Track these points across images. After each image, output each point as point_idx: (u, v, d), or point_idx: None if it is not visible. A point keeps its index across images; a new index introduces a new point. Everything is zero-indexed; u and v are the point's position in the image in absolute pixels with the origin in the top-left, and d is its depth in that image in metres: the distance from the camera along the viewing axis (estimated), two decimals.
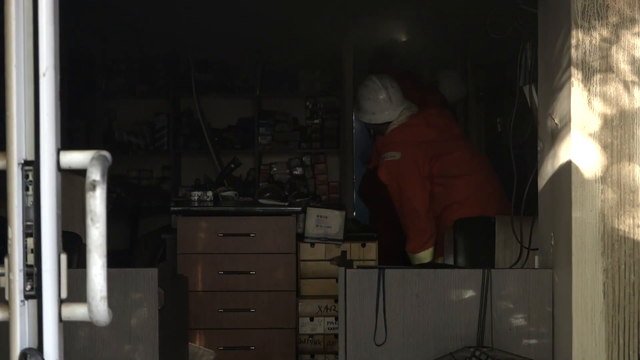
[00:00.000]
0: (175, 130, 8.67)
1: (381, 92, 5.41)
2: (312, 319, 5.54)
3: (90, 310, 1.60)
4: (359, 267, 4.03)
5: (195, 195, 5.79)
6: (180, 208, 5.56)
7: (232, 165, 6.28)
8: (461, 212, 5.10)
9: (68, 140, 7.50)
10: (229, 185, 6.11)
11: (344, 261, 3.98)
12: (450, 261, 4.80)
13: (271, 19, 7.56)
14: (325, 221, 5.58)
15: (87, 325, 3.37)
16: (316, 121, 8.75)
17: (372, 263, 5.55)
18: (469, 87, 7.75)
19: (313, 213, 5.58)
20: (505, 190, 5.24)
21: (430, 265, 4.94)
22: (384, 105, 5.40)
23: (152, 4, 7.00)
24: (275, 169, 8.69)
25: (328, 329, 5.54)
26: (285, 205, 5.63)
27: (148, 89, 8.67)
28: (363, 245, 5.61)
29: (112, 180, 8.29)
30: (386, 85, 5.43)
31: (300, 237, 5.58)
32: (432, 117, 5.43)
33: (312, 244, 5.58)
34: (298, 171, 8.68)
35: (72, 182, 3.81)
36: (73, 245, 3.90)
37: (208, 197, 5.79)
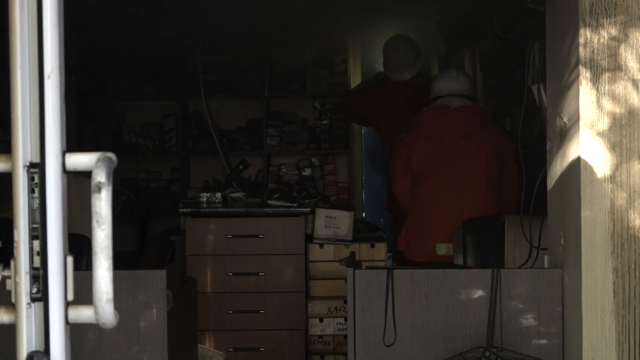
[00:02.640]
0: (184, 132, 8.67)
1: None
2: (321, 320, 5.53)
3: (96, 313, 1.60)
4: (367, 267, 4.02)
5: (204, 196, 5.79)
6: (189, 210, 5.56)
7: (241, 167, 6.27)
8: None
9: (77, 142, 7.51)
10: (237, 187, 6.11)
11: (352, 262, 3.97)
12: (460, 261, 4.79)
13: (279, 20, 7.56)
14: (334, 222, 5.58)
15: (96, 327, 3.36)
16: (325, 122, 8.72)
17: (381, 264, 5.54)
18: (421, 67, 6.77)
19: (322, 214, 5.58)
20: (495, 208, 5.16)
21: (439, 265, 4.93)
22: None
23: (161, 6, 7.01)
24: (284, 170, 8.67)
25: (337, 329, 5.53)
26: (294, 206, 5.63)
27: (156, 90, 8.66)
28: (372, 246, 5.61)
29: (121, 182, 8.30)
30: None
31: (309, 238, 5.58)
32: (451, 111, 5.24)
33: (321, 245, 5.58)
34: (307, 172, 8.67)
35: (81, 185, 3.80)
36: (81, 247, 3.90)
37: (217, 198, 5.79)
